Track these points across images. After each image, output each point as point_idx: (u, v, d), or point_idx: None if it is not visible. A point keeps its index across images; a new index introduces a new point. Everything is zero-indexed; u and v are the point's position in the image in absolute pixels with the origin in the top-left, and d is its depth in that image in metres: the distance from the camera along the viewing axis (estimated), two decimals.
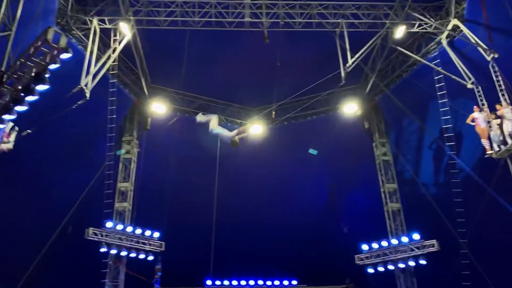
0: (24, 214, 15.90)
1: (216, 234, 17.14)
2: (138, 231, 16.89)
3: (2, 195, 14.54)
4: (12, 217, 15.47)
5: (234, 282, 19.56)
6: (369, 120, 19.13)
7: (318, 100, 19.43)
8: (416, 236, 16.54)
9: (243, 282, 19.61)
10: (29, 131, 9.92)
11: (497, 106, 12.13)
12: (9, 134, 9.16)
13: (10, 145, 9.12)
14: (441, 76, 15.08)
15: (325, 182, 20.60)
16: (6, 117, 8.35)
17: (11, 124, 8.96)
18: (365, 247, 17.53)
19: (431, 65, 15.23)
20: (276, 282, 19.83)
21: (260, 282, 19.69)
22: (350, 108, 18.68)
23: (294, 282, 19.86)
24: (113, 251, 16.16)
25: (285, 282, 19.83)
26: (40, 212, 16.11)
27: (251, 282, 19.61)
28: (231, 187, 19.13)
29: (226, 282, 19.49)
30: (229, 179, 18.90)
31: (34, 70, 8.25)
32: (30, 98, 8.30)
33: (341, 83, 15.52)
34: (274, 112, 19.05)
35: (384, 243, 17.21)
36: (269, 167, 19.68)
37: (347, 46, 14.86)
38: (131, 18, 15.28)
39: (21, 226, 15.79)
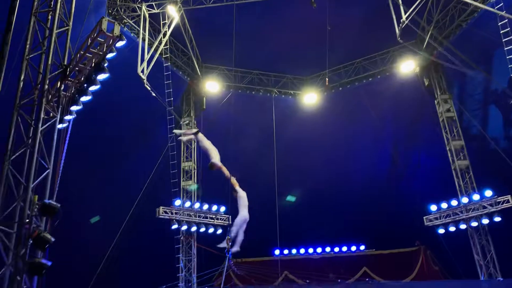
0: (98, 200, 16.93)
1: (279, 205, 17.38)
2: (205, 207, 17.47)
3: (77, 180, 15.48)
4: (88, 204, 16.55)
5: (302, 251, 19.77)
6: (429, 76, 18.17)
7: (373, 62, 18.79)
8: (488, 193, 15.73)
9: (310, 250, 19.76)
10: None
11: None
12: None
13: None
14: (505, 21, 13.91)
15: (387, 145, 20.04)
16: (73, 108, 8.81)
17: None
18: (433, 207, 16.98)
19: (494, 10, 14.06)
20: (344, 248, 19.78)
21: (328, 249, 19.75)
22: (408, 66, 17.86)
23: (362, 247, 19.71)
24: (184, 227, 16.87)
25: (353, 248, 19.74)
26: (113, 196, 17.06)
27: (319, 250, 19.71)
28: (290, 157, 19.21)
29: (293, 251, 19.74)
30: (287, 150, 18.98)
31: (93, 60, 8.60)
32: (92, 88, 8.68)
33: (397, 41, 14.81)
34: (327, 79, 18.66)
35: (454, 202, 16.56)
36: (328, 135, 19.42)
37: (400, 0, 14.08)
38: (178, 0, 15.41)
39: (96, 208, 16.84)
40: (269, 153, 18.42)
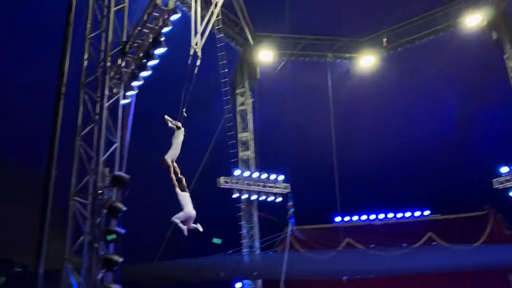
0: (161, 170, 17.56)
1: (339, 171, 17.25)
2: (264, 176, 17.69)
3: (141, 153, 16.17)
4: (151, 173, 17.23)
5: (364, 217, 19.56)
6: (497, 29, 16.82)
7: (435, 18, 17.61)
8: None
9: (372, 217, 19.51)
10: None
11: None
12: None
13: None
14: None
15: (452, 106, 19.07)
16: (134, 83, 9.14)
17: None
18: (504, 169, 16.05)
19: None
20: (407, 214, 19.33)
21: (390, 215, 19.38)
22: (474, 19, 16.63)
23: (427, 213, 19.15)
24: (244, 196, 17.25)
25: (417, 214, 19.22)
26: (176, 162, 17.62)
27: (381, 216, 19.41)
28: (348, 124, 18.88)
29: (355, 218, 19.56)
30: (345, 116, 18.64)
31: (150, 36, 8.80)
32: (151, 63, 8.92)
33: None
34: (385, 40, 17.89)
35: None
36: (387, 98, 18.75)
37: None
38: None
39: (159, 180, 17.50)
40: (326, 120, 18.18)
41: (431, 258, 15.99)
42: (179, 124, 9.25)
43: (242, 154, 18.27)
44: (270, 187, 17.66)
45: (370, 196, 19.35)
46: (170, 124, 9.18)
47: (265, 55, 18.77)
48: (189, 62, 13.45)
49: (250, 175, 17.54)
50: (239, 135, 18.55)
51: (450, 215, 18.28)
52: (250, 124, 18.86)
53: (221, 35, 16.64)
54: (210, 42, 15.93)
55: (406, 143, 19.00)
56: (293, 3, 16.37)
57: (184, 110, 10.24)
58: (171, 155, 8.80)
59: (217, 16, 15.89)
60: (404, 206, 19.52)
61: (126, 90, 9.17)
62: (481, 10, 16.39)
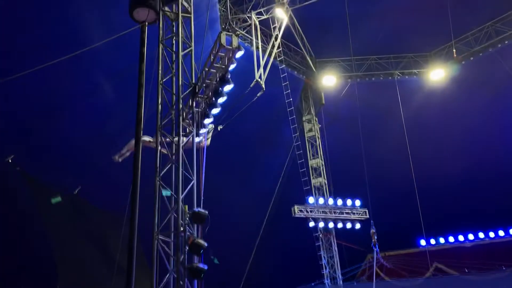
0: (235, 201, 17.79)
1: (419, 191, 16.38)
2: (339, 202, 17.28)
3: (217, 187, 16.52)
4: (227, 204, 17.51)
5: (451, 239, 18.29)
6: None
7: (507, 21, 16.62)
8: None
9: (461, 238, 18.18)
10: (220, 126, 11.02)
11: None
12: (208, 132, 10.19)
13: (208, 142, 10.15)
14: None
15: None
16: (206, 121, 9.45)
17: (211, 126, 10.05)
18: None
19: None
20: (501, 233, 17.79)
21: (481, 235, 17.95)
22: None
23: None
24: (321, 224, 16.90)
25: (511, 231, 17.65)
26: (249, 197, 17.82)
27: (471, 237, 18.03)
28: (424, 142, 18.09)
29: (441, 240, 18.35)
30: (419, 133, 17.91)
31: (218, 74, 9.11)
32: (220, 100, 9.20)
33: None
34: (455, 50, 17.09)
35: None
36: (464, 111, 17.82)
37: None
38: (285, 1, 15.59)
39: (235, 211, 17.72)
40: (398, 139, 17.49)
41: None
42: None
43: (314, 181, 18.16)
44: (347, 213, 17.22)
45: (456, 215, 18.12)
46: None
47: (329, 80, 18.77)
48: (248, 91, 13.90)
49: (325, 202, 17.24)
50: (310, 162, 18.54)
51: None
52: (320, 150, 18.74)
53: (283, 65, 17.01)
54: (274, 73, 16.34)
55: (492, 156, 17.81)
56: (352, 25, 16.27)
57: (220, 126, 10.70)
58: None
59: (278, 48, 16.35)
60: (495, 225, 18.02)
61: (198, 128, 9.48)
62: None
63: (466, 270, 15.20)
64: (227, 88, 9.05)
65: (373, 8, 16.59)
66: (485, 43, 17.29)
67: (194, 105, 9.31)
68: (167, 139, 9.10)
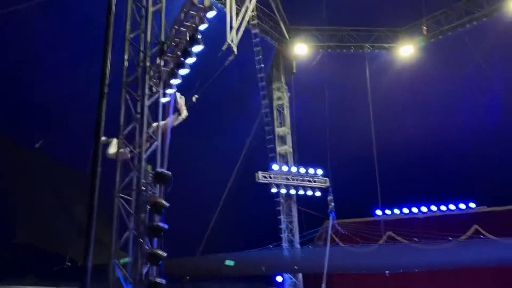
0: (202, 164, 17.75)
1: (379, 163, 16.87)
2: (302, 170, 17.58)
3: (183, 149, 16.40)
4: (192, 168, 17.49)
5: (405, 210, 19.07)
6: None
7: (478, 2, 16.86)
8: None
9: (414, 210, 18.98)
10: (196, 96, 10.75)
11: None
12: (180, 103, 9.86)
13: (185, 113, 9.86)
14: None
15: (497, 94, 18.22)
16: (173, 81, 9.22)
17: (178, 94, 9.68)
18: None
19: None
20: (452, 207, 18.68)
21: (433, 208, 18.79)
22: None
23: (472, 205, 18.43)
24: (283, 191, 17.21)
25: (462, 206, 18.53)
26: (215, 163, 17.85)
27: (423, 209, 18.85)
28: (387, 114, 18.43)
29: (396, 211, 19.08)
30: (384, 106, 18.20)
31: (187, 34, 8.85)
32: (189, 61, 8.98)
33: None
34: (425, 28, 17.26)
35: None
36: (429, 88, 18.23)
37: None
38: None
39: (200, 174, 17.73)
40: (364, 112, 17.80)
41: (478, 252, 15.39)
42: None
43: (280, 148, 18.25)
44: (309, 181, 17.57)
45: (412, 188, 18.79)
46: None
47: (301, 49, 18.63)
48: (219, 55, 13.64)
49: (289, 170, 17.49)
50: (277, 130, 18.56)
51: (498, 207, 17.49)
52: (287, 119, 18.81)
53: (256, 30, 16.67)
54: (246, 38, 16.03)
55: (449, 134, 18.39)
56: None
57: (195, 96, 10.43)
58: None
59: (251, 11, 15.98)
60: (448, 199, 18.87)
61: (165, 88, 9.26)
62: None
63: (416, 240, 15.97)
64: (197, 48, 8.82)
65: None
66: (455, 22, 17.50)
67: (162, 64, 9.05)
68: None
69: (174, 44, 9.19)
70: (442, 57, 18.16)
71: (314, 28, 18.80)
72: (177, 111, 9.51)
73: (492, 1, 16.72)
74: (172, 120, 9.29)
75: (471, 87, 18.25)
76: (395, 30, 18.94)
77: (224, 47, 14.04)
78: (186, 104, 10.31)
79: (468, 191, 18.43)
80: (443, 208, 18.68)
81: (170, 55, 9.18)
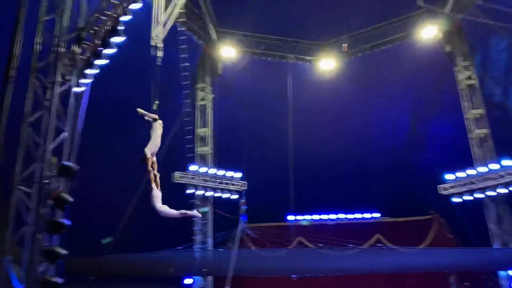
0: (117, 163, 17.16)
1: (294, 171, 17.41)
2: (221, 172, 17.62)
3: (96, 144, 15.66)
4: (108, 167, 16.83)
5: (316, 217, 19.93)
6: (450, 42, 17.57)
7: (393, 27, 18.27)
8: (507, 162, 15.47)
9: (324, 217, 19.92)
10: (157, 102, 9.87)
11: None
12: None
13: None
14: None
15: (405, 112, 19.75)
16: (89, 71, 8.83)
17: None
18: (449, 176, 16.82)
19: None
20: (358, 215, 19.89)
21: (342, 215, 19.87)
22: (429, 31, 17.28)
23: (377, 215, 19.77)
24: (199, 192, 17.09)
25: (367, 215, 19.82)
26: (131, 160, 17.24)
27: (333, 216, 19.86)
28: (306, 124, 19.11)
29: (308, 217, 19.87)
30: (303, 116, 18.85)
31: (108, 23, 8.54)
32: (108, 51, 8.66)
33: (417, 5, 14.35)
34: (346, 45, 18.25)
35: (471, 172, 16.36)
36: (346, 102, 19.18)
37: None
38: None
39: (114, 172, 17.11)
40: (285, 120, 18.34)
41: (377, 259, 16.50)
42: (156, 116, 8.80)
43: (199, 149, 18.13)
44: (227, 184, 17.66)
45: (324, 196, 19.71)
46: (146, 117, 8.79)
47: (228, 52, 18.72)
48: (152, 53, 13.34)
49: (207, 171, 17.43)
50: (198, 130, 18.39)
51: (398, 218, 18.90)
52: (210, 120, 18.75)
53: (183, 28, 16.46)
54: (173, 35, 15.76)
55: (361, 146, 19.50)
56: (257, 2, 16.41)
57: (156, 102, 9.98)
58: (151, 148, 8.43)
59: (180, 9, 15.76)
60: (356, 208, 20.03)
61: (80, 78, 8.83)
62: (437, 23, 17.05)
63: (321, 245, 16.73)
64: (117, 39, 8.56)
65: None
66: (372, 42, 18.73)
67: (78, 51, 8.63)
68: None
69: (93, 32, 8.82)
70: (360, 73, 19.25)
71: (242, 33, 19.04)
72: None
73: (405, 28, 18.15)
74: None
75: (383, 104, 19.56)
76: (318, 44, 19.77)
77: (153, 43, 13.81)
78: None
79: (375, 201, 19.76)
80: (350, 216, 19.81)
81: (87, 43, 8.79)
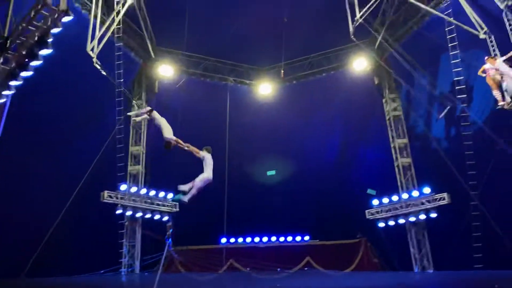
0: (40, 181, 16.20)
1: (228, 193, 17.38)
2: (152, 192, 17.19)
3: (17, 163, 14.75)
4: (29, 184, 15.81)
5: (248, 239, 19.95)
6: (379, 75, 18.80)
7: (327, 57, 19.27)
8: (426, 190, 16.56)
9: (256, 239, 19.98)
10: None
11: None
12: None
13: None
14: (453, 26, 14.50)
15: (336, 139, 20.58)
16: (12, 83, 8.36)
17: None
18: (375, 202, 17.67)
19: (443, 15, 14.66)
20: (289, 238, 20.17)
21: (273, 238, 20.05)
22: (360, 64, 18.35)
23: (307, 238, 20.16)
24: (129, 213, 16.53)
25: (298, 238, 20.16)
26: (56, 178, 16.36)
27: (265, 239, 19.97)
28: (241, 146, 19.28)
29: (240, 240, 19.88)
30: (239, 139, 19.00)
31: (36, 34, 8.17)
32: (34, 63, 8.26)
33: (351, 39, 15.20)
34: (283, 71, 18.82)
35: (395, 198, 17.30)
36: (281, 126, 19.69)
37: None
38: None
39: (38, 192, 16.13)
40: (221, 141, 18.34)
41: (305, 282, 16.72)
42: (148, 108, 9.87)
43: (132, 168, 17.70)
44: (158, 205, 17.27)
45: (257, 219, 19.81)
46: (140, 118, 9.93)
47: (166, 70, 18.64)
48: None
49: (138, 191, 16.94)
50: (131, 149, 18.00)
51: (327, 241, 19.39)
52: (144, 138, 18.35)
53: (120, 43, 16.12)
54: (109, 50, 15.37)
55: (293, 170, 19.94)
56: (198, 23, 16.53)
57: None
58: (168, 132, 9.46)
59: (118, 24, 15.47)
60: (288, 231, 20.30)
61: (3, 88, 8.32)
62: (367, 57, 18.15)
63: (248, 269, 16.71)
64: (45, 52, 8.18)
65: (221, 12, 17.07)
66: (307, 71, 19.50)
67: (0, 61, 8.15)
68: None
69: (19, 42, 8.39)
70: (295, 99, 19.86)
71: (180, 53, 19.01)
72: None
73: (339, 59, 19.21)
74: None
75: (316, 130, 20.26)
76: (257, 69, 20.25)
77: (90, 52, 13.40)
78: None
79: (306, 225, 20.17)
80: (282, 239, 20.05)
81: (12, 53, 8.34)
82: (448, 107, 15.52)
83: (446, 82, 15.98)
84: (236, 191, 17.75)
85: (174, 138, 9.50)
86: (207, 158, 9.67)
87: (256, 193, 19.71)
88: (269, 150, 19.75)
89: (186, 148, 9.61)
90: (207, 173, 9.58)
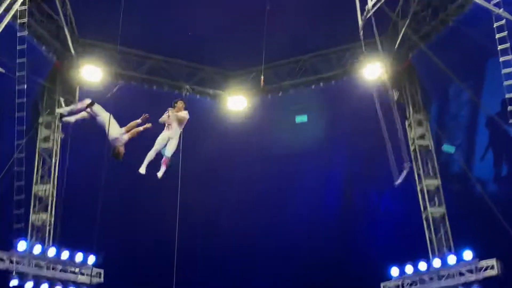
0: None
1: (179, 255, 17.00)
2: (65, 254, 16.75)
3: None
4: None
5: None
6: (399, 88, 18.88)
7: (326, 60, 19.34)
8: (468, 255, 16.47)
9: None
10: None
11: None
12: None
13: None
14: (503, 21, 14.65)
15: (337, 178, 20.65)
16: None
17: None
18: (395, 271, 17.49)
19: (489, 5, 14.83)
20: None
21: None
22: (372, 71, 18.36)
23: None
24: (29, 284, 16.02)
25: None
26: None
27: None
28: (202, 184, 19.16)
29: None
30: (199, 174, 18.81)
31: None
32: None
33: (359, 35, 15.27)
34: (263, 77, 18.71)
35: (422, 265, 17.15)
36: (260, 157, 19.66)
37: None
38: None
39: None
40: (170, 177, 18.00)
41: None
42: (87, 100, 10.26)
43: (35, 217, 17.31)
44: (73, 272, 16.87)
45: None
46: (75, 117, 10.29)
47: (91, 72, 18.38)
48: None
49: (44, 251, 16.49)
50: (35, 188, 17.71)
51: None
52: (55, 171, 18.05)
53: (25, 33, 15.80)
54: (9, 41, 15.07)
55: (278, 223, 20.28)
56: (140, 7, 16.45)
57: None
58: (114, 131, 10.23)
59: (22, 4, 15.18)
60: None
61: None
62: (381, 61, 18.05)
63: None
64: None
65: None
66: (298, 78, 19.66)
67: None
68: None
69: None
70: (281, 119, 19.96)
71: (113, 47, 18.66)
72: None
73: (340, 64, 19.37)
74: None
75: (309, 161, 20.51)
76: (225, 73, 20.28)
77: None
78: None
79: None
80: None
81: None
82: (405, 170, 15.55)
83: (495, 100, 16.17)
84: (190, 252, 17.61)
85: (123, 130, 10.09)
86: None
87: (223, 255, 19.68)
88: (241, 192, 19.62)
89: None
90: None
